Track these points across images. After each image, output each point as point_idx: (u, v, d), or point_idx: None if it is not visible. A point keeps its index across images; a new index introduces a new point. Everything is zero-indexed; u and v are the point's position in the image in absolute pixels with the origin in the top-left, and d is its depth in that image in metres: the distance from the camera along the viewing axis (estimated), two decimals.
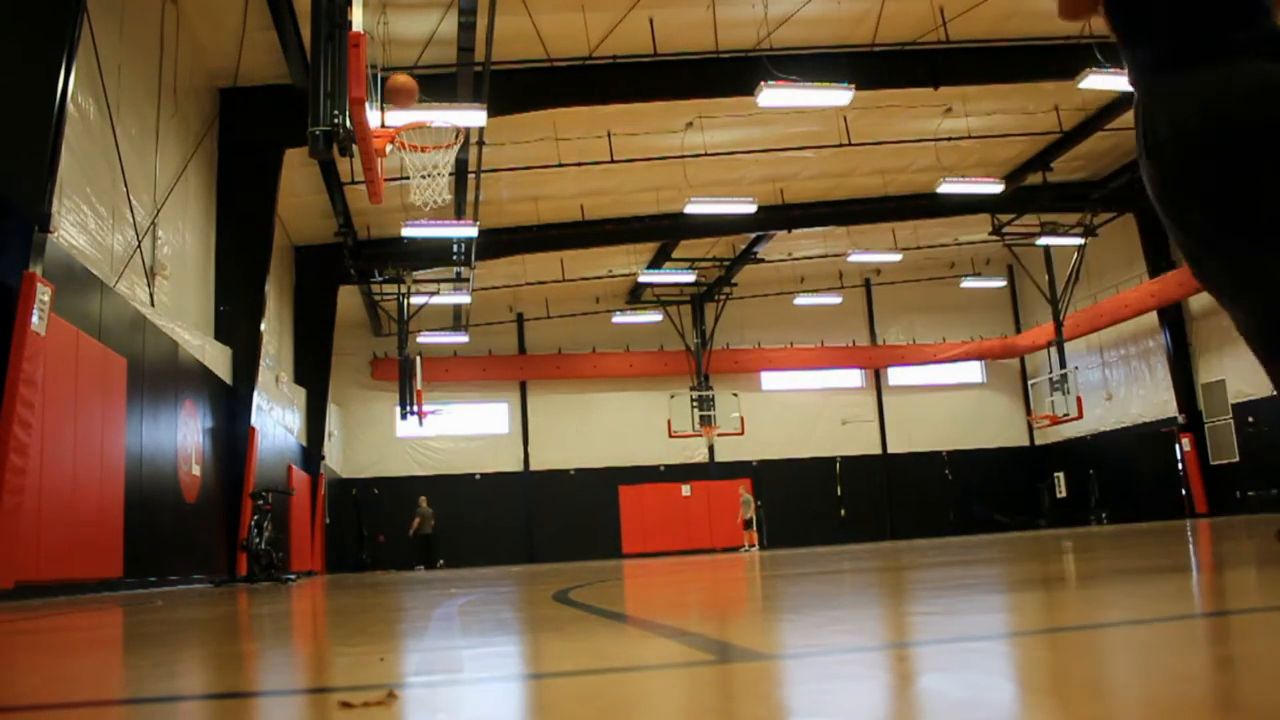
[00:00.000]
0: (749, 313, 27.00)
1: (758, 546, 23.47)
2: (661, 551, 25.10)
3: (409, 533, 23.91)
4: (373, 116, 8.36)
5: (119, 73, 9.90)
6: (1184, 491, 22.55)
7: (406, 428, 24.69)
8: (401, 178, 11.48)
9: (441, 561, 23.92)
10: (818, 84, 13.53)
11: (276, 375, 17.25)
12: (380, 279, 20.31)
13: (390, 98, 8.86)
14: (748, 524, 23.86)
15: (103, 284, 9.20)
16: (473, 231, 16.47)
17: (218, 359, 13.13)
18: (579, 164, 17.47)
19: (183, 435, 11.48)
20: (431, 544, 23.77)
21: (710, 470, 27.14)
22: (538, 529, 25.89)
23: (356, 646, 2.30)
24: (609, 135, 16.85)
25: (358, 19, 7.79)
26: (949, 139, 18.56)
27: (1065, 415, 24.15)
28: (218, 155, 13.69)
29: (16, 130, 7.67)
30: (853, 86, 13.45)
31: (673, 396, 25.98)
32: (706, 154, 17.75)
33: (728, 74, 14.28)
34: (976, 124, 18.10)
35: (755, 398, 27.12)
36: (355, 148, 7.98)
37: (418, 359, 22.31)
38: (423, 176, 10.06)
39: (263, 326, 14.01)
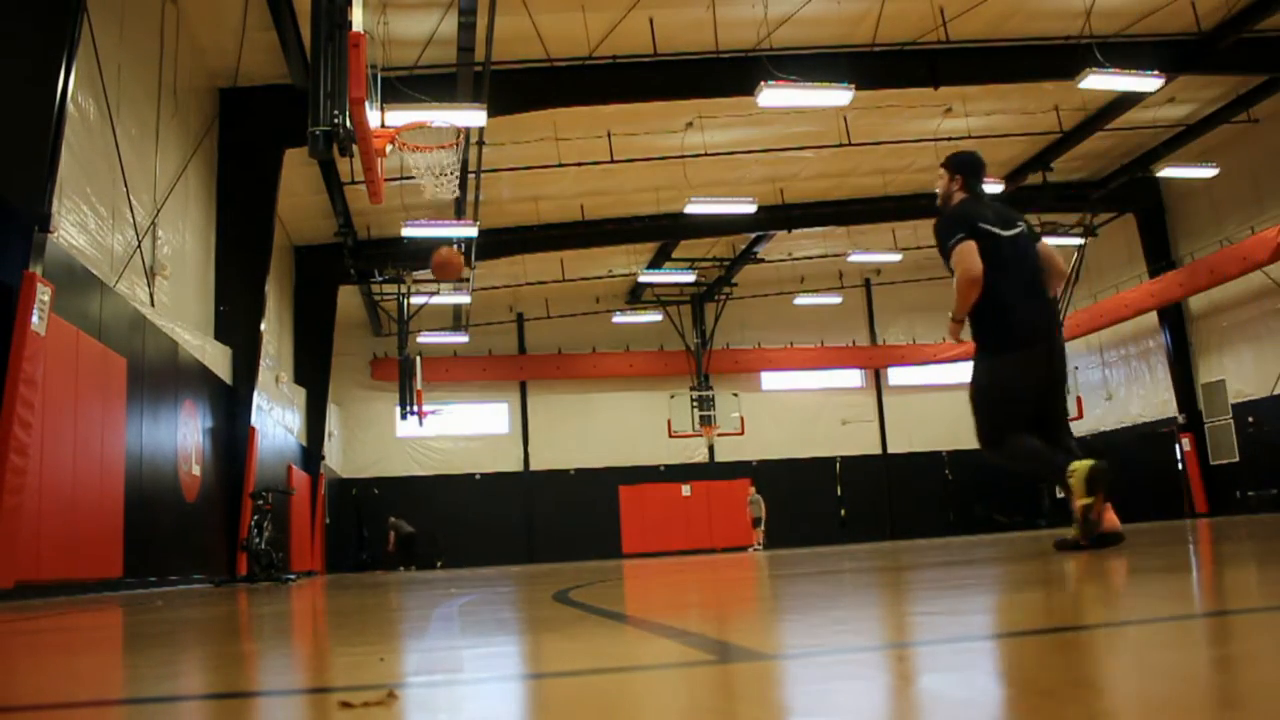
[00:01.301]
0: (749, 313, 27.01)
1: (755, 546, 23.44)
2: (661, 551, 25.10)
3: (389, 549, 23.99)
4: (373, 116, 8.37)
5: (119, 73, 9.90)
6: (1184, 491, 22.55)
7: (406, 428, 24.70)
8: (401, 178, 11.49)
9: (440, 562, 23.93)
10: (818, 84, 13.54)
11: (276, 375, 17.26)
12: (380, 279, 20.32)
13: (439, 273, 9.29)
14: (755, 523, 23.81)
15: (103, 284, 9.21)
16: (473, 231, 16.47)
17: (218, 359, 13.13)
18: (579, 164, 17.48)
19: (183, 435, 11.48)
20: (415, 544, 23.79)
21: (710, 470, 27.14)
22: (538, 529, 25.89)
23: (356, 646, 2.30)
24: (609, 135, 16.85)
25: (358, 19, 7.79)
26: (949, 139, 18.55)
27: None
28: (218, 155, 13.69)
29: (16, 130, 7.68)
30: (853, 86, 13.46)
31: (673, 396, 25.99)
32: (706, 154, 17.75)
33: (728, 74, 14.28)
34: (976, 124, 18.10)
35: (755, 398, 27.12)
36: (355, 148, 7.98)
37: (418, 359, 22.32)
38: (436, 175, 10.06)
39: (263, 326, 14.00)
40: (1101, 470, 4.57)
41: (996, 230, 4.76)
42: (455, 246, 9.56)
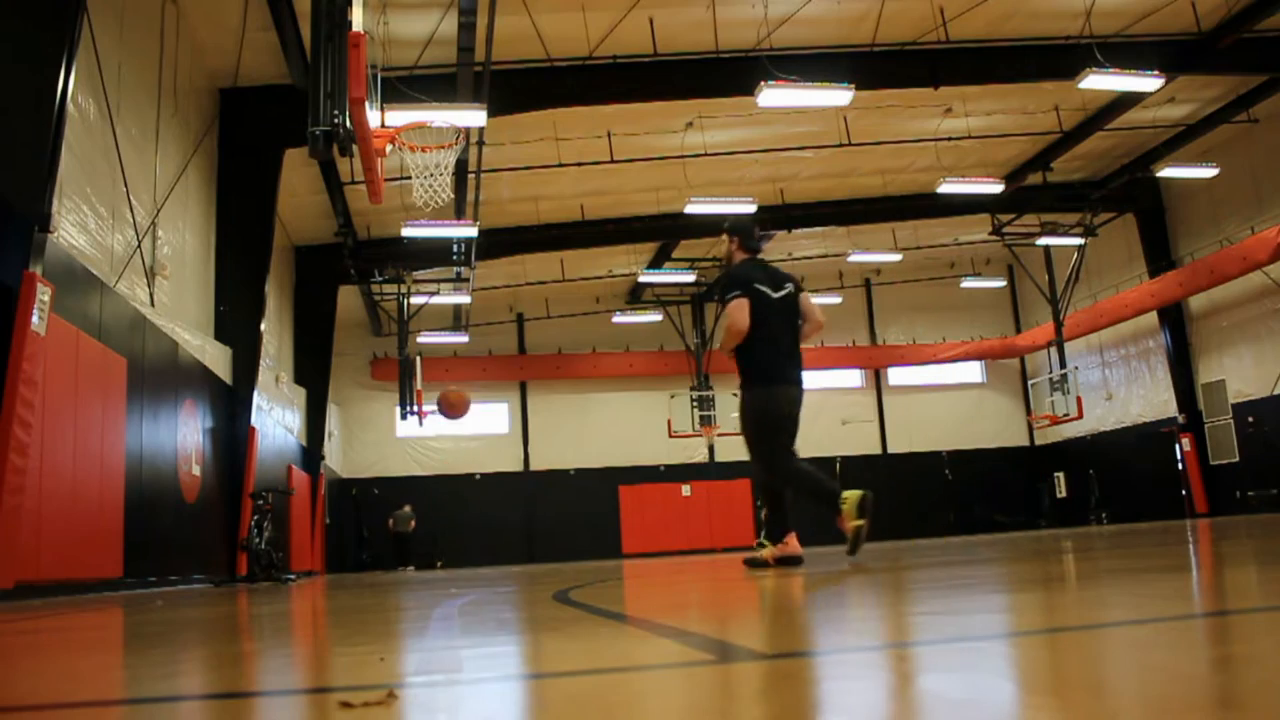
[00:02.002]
0: None
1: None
2: (661, 551, 25.09)
3: (389, 530, 24.10)
4: (373, 116, 8.36)
5: (119, 73, 9.90)
6: (1184, 491, 22.55)
7: (406, 428, 24.70)
8: (401, 178, 11.49)
9: (440, 562, 23.92)
10: (818, 84, 13.54)
11: (276, 375, 17.26)
12: (380, 279, 20.32)
13: (446, 410, 9.77)
14: None
15: (103, 284, 9.21)
16: (473, 231, 16.47)
17: (218, 359, 13.13)
18: (579, 164, 17.48)
19: (183, 435, 11.48)
20: (409, 543, 23.80)
21: (710, 470, 27.13)
22: (538, 529, 25.87)
23: (356, 646, 2.31)
24: (609, 135, 16.85)
25: (358, 19, 7.79)
26: (949, 139, 18.57)
27: (1065, 415, 24.14)
28: (218, 155, 13.69)
29: (16, 130, 7.68)
30: (853, 86, 13.45)
31: (673, 396, 25.98)
32: (706, 154, 17.75)
33: (728, 74, 14.28)
34: (976, 124, 18.10)
35: None
36: (355, 148, 7.98)
37: (418, 359, 22.31)
38: (423, 178, 10.05)
39: (263, 326, 14.00)
40: (869, 498, 5.62)
41: (767, 291, 5.81)
42: (458, 389, 10.11)
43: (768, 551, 5.91)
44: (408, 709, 1.26)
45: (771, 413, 5.94)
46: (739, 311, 5.72)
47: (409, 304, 21.49)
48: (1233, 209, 20.77)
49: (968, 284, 26.71)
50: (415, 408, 21.69)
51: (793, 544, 5.86)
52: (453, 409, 9.61)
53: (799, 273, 28.60)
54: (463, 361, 26.17)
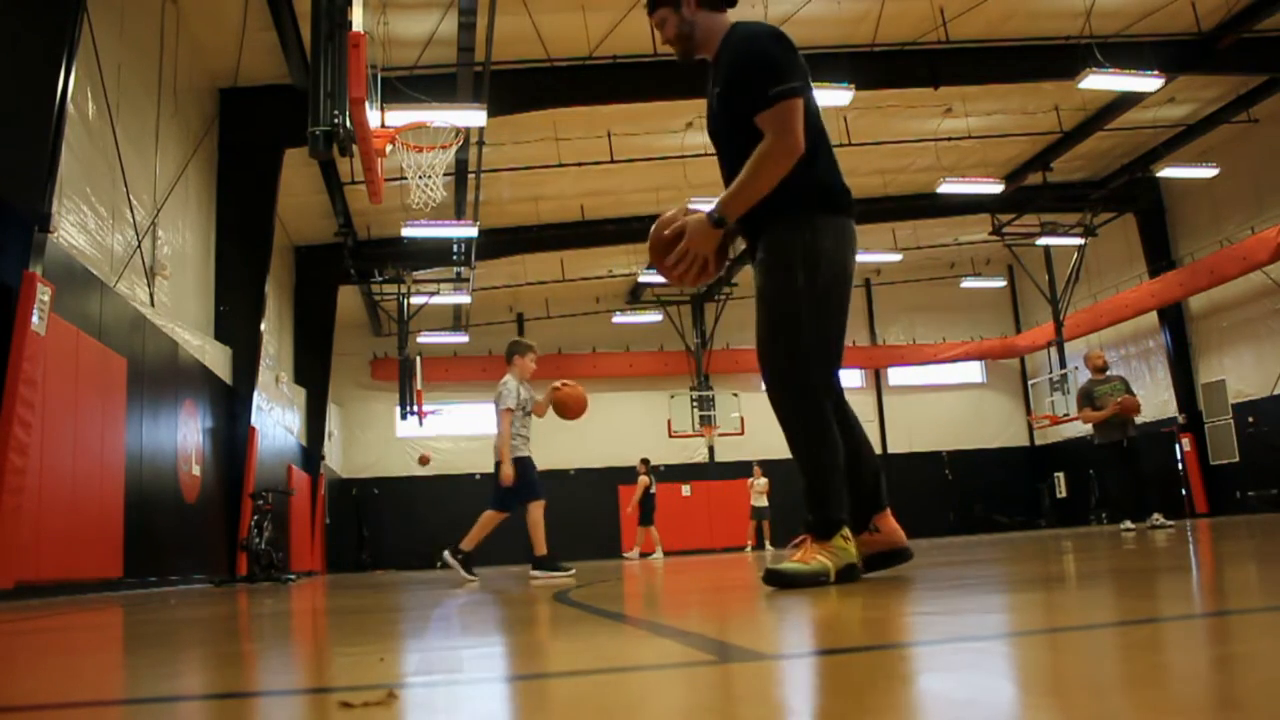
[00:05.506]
0: (749, 313, 26.81)
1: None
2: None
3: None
4: (373, 116, 8.37)
5: (119, 73, 9.90)
6: (1184, 492, 22.53)
7: (406, 428, 24.69)
8: (401, 178, 11.50)
9: (440, 562, 23.90)
10: (818, 84, 13.49)
11: (276, 375, 17.25)
12: (380, 279, 20.32)
13: (564, 411, 8.79)
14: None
15: (103, 284, 9.21)
16: (473, 231, 16.48)
17: (218, 359, 13.13)
18: (579, 164, 17.47)
19: (183, 435, 11.48)
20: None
21: (710, 471, 27.13)
22: None
23: (356, 646, 2.30)
24: (609, 135, 16.85)
25: (358, 19, 7.80)
26: (949, 139, 18.56)
27: (1065, 415, 24.13)
28: (218, 155, 13.69)
29: (16, 130, 7.68)
30: (853, 86, 13.46)
31: (673, 397, 25.96)
32: (707, 154, 17.71)
33: None
34: (976, 124, 18.10)
35: (755, 398, 26.99)
36: (355, 148, 7.98)
37: (418, 359, 22.32)
38: (419, 178, 10.07)
39: (263, 326, 14.00)
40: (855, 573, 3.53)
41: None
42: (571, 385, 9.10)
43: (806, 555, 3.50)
44: (408, 709, 1.26)
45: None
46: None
47: (409, 304, 21.49)
48: (1233, 209, 20.76)
49: (968, 284, 26.70)
50: (415, 408, 21.68)
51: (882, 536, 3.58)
52: (566, 410, 8.96)
53: None
54: (463, 361, 26.16)
